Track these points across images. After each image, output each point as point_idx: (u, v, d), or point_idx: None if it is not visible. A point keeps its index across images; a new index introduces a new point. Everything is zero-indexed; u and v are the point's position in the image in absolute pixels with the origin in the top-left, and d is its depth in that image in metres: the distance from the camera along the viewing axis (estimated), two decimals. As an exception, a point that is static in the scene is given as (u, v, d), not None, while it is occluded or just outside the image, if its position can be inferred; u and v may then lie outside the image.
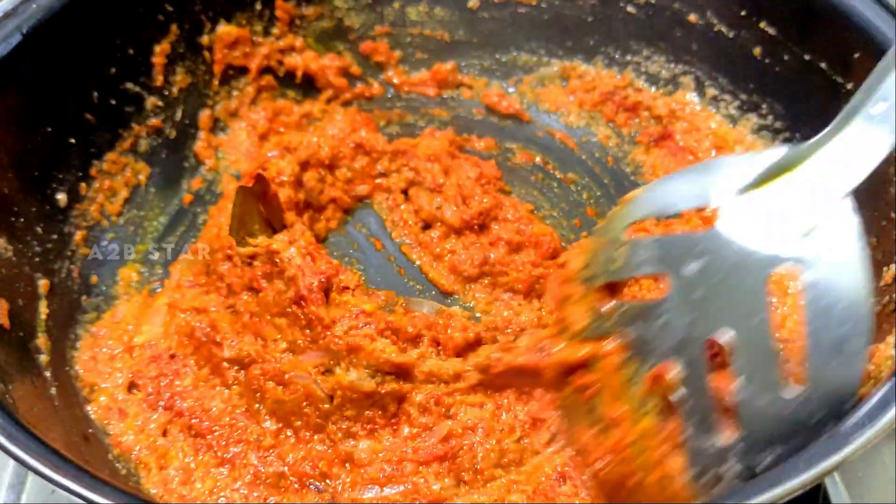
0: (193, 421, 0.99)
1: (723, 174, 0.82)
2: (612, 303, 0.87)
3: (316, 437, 0.97)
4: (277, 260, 1.02)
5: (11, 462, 0.98)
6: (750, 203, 0.80)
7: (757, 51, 1.20)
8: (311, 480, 0.94)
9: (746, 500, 0.70)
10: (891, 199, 1.00)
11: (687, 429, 0.79)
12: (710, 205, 0.82)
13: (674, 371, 0.80)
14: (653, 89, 1.34)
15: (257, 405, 0.99)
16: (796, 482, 0.70)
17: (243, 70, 1.33)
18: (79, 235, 1.14)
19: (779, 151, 0.81)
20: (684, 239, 0.84)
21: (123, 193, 1.22)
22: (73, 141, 1.13)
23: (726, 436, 0.77)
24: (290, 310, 1.01)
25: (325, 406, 0.96)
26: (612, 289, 0.89)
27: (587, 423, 0.88)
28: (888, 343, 0.87)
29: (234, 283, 1.06)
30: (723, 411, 0.78)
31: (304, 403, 0.97)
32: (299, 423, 0.97)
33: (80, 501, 0.74)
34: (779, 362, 0.75)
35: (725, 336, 0.77)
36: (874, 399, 0.75)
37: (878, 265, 0.99)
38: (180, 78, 1.27)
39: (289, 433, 0.97)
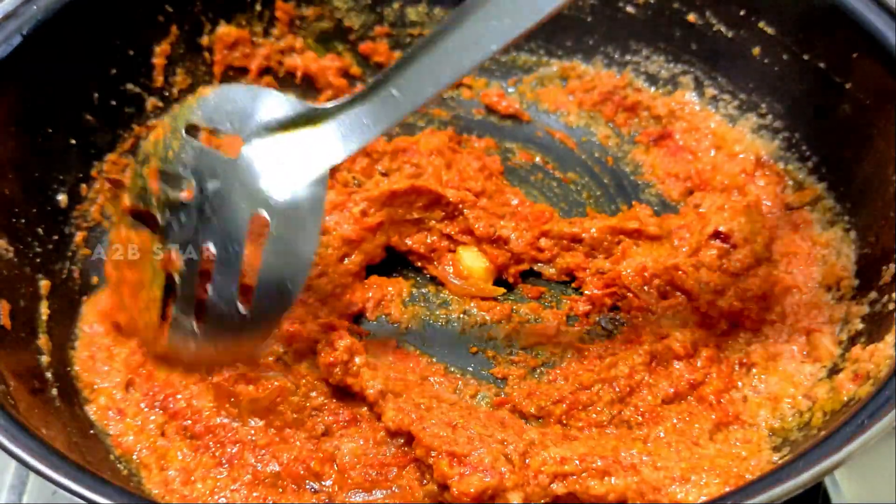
0: (187, 423, 0.99)
1: (267, 106, 0.94)
2: (156, 186, 0.99)
3: (300, 434, 0.98)
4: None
5: (13, 463, 0.99)
6: (270, 144, 0.93)
7: (756, 51, 1.20)
8: (307, 481, 0.95)
9: (746, 499, 0.70)
10: (889, 199, 1.00)
11: (177, 304, 0.98)
12: (242, 135, 0.94)
13: (177, 259, 0.97)
14: (652, 89, 1.34)
15: (234, 409, 1.00)
16: (796, 482, 0.70)
17: (243, 70, 1.34)
18: (79, 236, 1.14)
19: (306, 105, 0.93)
20: (217, 158, 0.95)
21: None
22: (73, 142, 1.13)
23: (195, 324, 0.97)
24: None
25: (294, 398, 1.00)
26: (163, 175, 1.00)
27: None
28: (887, 342, 0.88)
29: None
30: (197, 307, 0.97)
31: (278, 399, 0.99)
32: (279, 421, 0.99)
33: (82, 502, 0.74)
34: (237, 285, 0.94)
35: (211, 250, 0.95)
36: (874, 399, 0.76)
37: (877, 264, 1.00)
38: (180, 79, 1.27)
39: (272, 431, 0.98)
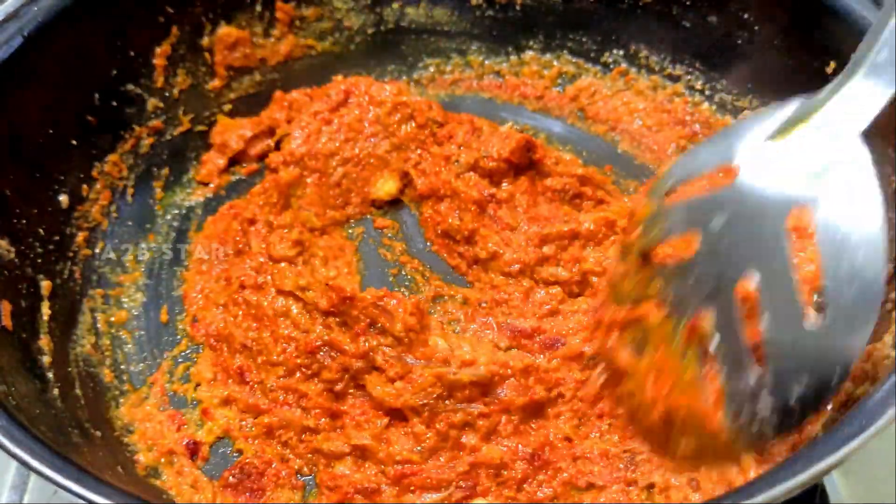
0: None
1: (742, 134, 0.87)
2: (650, 268, 0.92)
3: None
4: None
5: (14, 463, 0.99)
6: (767, 154, 0.84)
7: (757, 52, 1.20)
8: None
9: (746, 499, 0.70)
10: (889, 198, 1.00)
11: (723, 372, 0.83)
12: (732, 162, 0.86)
13: (707, 320, 0.85)
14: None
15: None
16: (795, 482, 0.70)
17: (244, 71, 1.34)
18: (80, 237, 1.14)
19: (791, 105, 0.85)
20: (709, 197, 0.88)
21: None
22: (74, 143, 1.14)
23: (757, 372, 0.81)
24: None
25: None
26: (646, 256, 0.93)
27: (633, 379, 0.94)
28: (885, 343, 0.88)
29: None
30: (753, 351, 0.82)
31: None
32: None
33: (83, 502, 0.74)
34: (800, 297, 0.79)
35: (752, 280, 0.81)
36: (874, 399, 0.76)
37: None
38: (181, 79, 1.27)
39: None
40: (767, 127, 0.86)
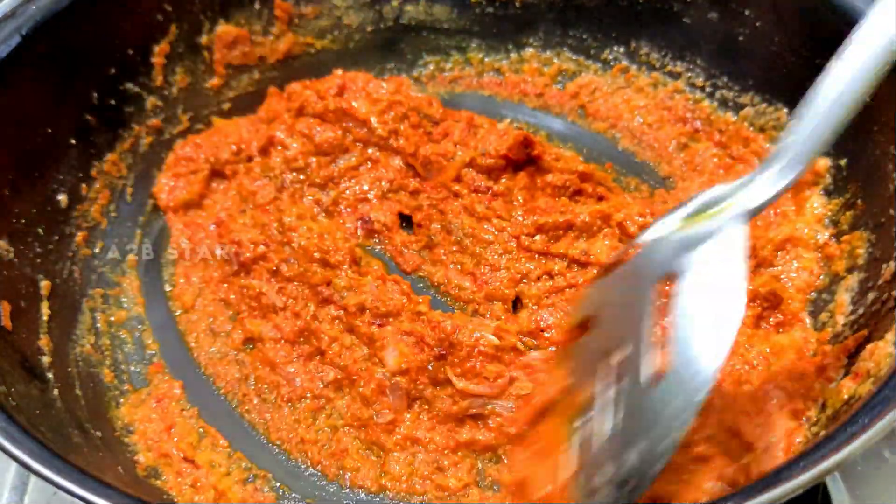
0: None
1: (664, 218, 0.89)
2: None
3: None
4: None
5: (14, 463, 0.99)
6: (666, 233, 0.87)
7: (758, 48, 1.20)
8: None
9: (747, 500, 0.70)
10: (889, 196, 1.00)
11: (586, 438, 0.86)
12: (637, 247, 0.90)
13: (585, 392, 0.87)
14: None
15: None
16: (796, 482, 0.70)
17: (243, 69, 1.34)
18: (80, 236, 1.14)
19: (709, 192, 0.86)
20: (610, 276, 0.93)
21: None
22: (73, 142, 1.13)
23: (608, 436, 0.83)
24: None
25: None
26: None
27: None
28: (887, 341, 0.88)
29: None
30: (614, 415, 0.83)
31: None
32: None
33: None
34: (647, 359, 0.81)
35: (620, 355, 0.84)
36: (874, 399, 0.76)
37: (876, 263, 1.00)
38: (180, 78, 1.27)
39: None
40: (683, 212, 0.87)
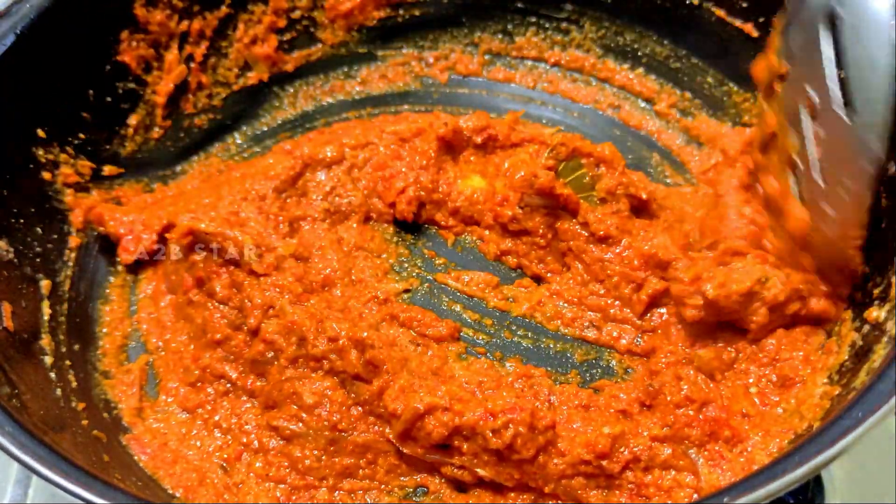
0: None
1: None
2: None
3: None
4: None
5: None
6: None
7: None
8: None
9: (744, 494, 0.71)
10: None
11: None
12: None
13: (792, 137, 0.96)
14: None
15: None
16: (793, 476, 0.71)
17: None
18: (80, 236, 1.14)
19: None
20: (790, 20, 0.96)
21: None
22: (70, 139, 1.13)
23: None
24: None
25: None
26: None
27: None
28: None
29: None
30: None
31: None
32: None
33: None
34: (833, 95, 0.87)
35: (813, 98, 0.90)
36: (870, 392, 0.76)
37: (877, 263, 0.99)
38: (178, 76, 1.25)
39: None
40: None
